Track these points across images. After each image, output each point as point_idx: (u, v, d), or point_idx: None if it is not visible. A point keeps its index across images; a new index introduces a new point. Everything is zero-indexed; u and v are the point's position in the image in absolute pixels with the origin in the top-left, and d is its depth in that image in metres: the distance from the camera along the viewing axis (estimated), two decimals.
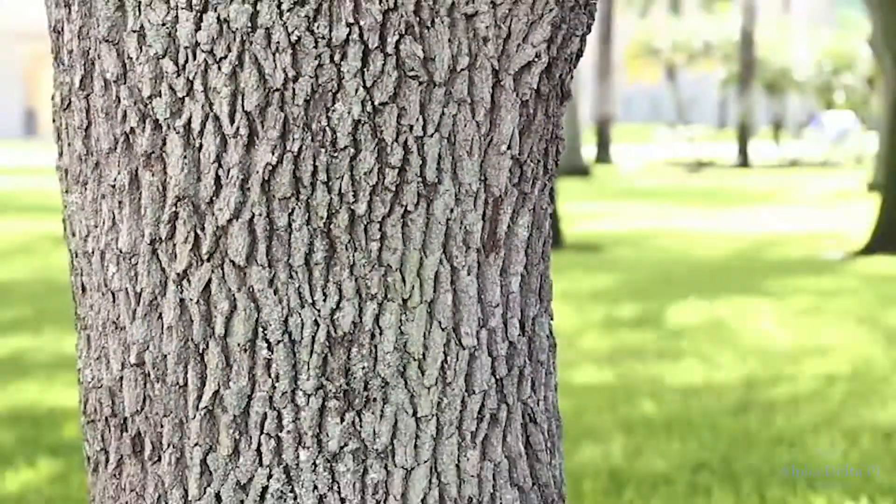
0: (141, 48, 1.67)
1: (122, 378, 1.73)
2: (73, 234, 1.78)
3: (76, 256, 1.78)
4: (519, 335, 1.78)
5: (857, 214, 20.27)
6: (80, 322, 1.79)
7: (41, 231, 17.65)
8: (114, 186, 1.71)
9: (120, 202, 1.70)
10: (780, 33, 44.62)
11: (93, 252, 1.75)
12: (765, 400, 7.76)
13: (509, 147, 1.74)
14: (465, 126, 1.71)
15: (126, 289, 1.71)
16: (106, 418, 1.76)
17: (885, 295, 12.52)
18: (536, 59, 1.74)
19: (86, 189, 1.74)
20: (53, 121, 1.81)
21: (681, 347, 9.43)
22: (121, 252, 1.71)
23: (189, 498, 1.71)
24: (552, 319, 1.86)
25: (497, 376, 1.75)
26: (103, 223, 1.73)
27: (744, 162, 37.87)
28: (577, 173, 32.34)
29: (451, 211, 1.70)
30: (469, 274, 1.72)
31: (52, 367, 8.17)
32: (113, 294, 1.73)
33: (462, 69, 1.70)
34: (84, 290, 1.77)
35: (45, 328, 9.63)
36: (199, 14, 1.65)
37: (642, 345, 9.51)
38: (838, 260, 15.79)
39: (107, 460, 1.78)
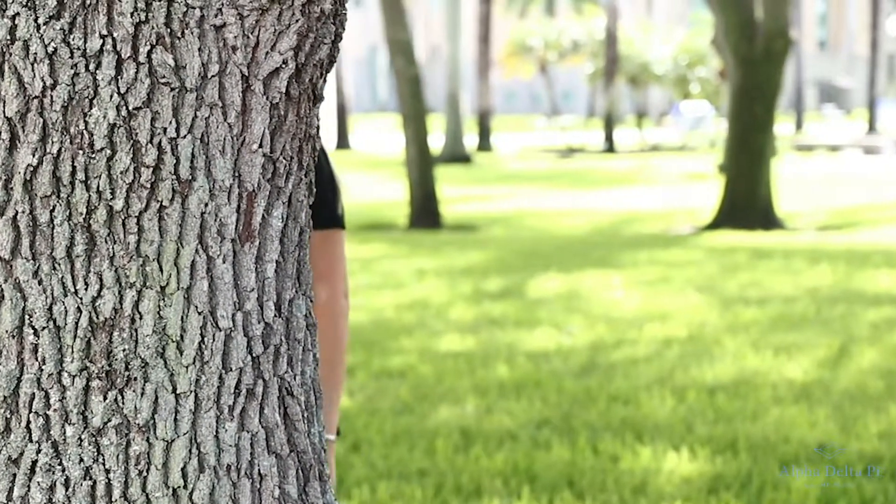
0: None
1: None
2: None
3: None
4: (275, 316, 1.77)
5: (708, 194, 20.51)
6: None
7: None
8: None
9: None
10: (641, 32, 44.99)
11: None
12: (607, 362, 7.85)
13: (261, 146, 1.73)
14: (218, 127, 1.69)
15: None
16: None
17: (725, 265, 12.71)
18: (284, 66, 1.73)
19: None
20: None
21: (538, 316, 9.49)
22: None
23: None
24: (312, 301, 1.85)
25: (253, 354, 1.74)
26: None
27: (610, 148, 38.21)
28: (459, 160, 32.43)
29: (206, 205, 1.69)
30: (224, 262, 1.71)
31: None
32: None
33: (213, 75, 1.68)
34: None
35: None
36: None
37: (503, 315, 9.57)
38: (687, 234, 16.00)
39: None
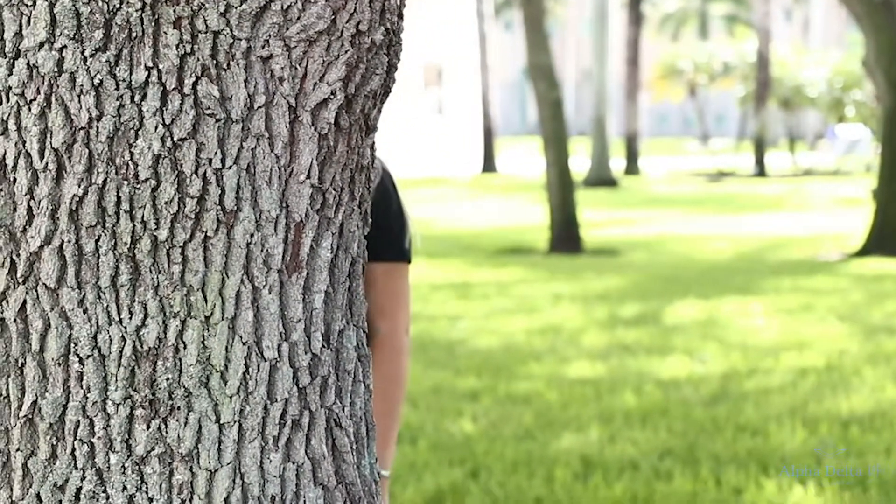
0: None
1: None
2: None
3: None
4: (323, 347, 1.76)
5: (859, 219, 20.05)
6: None
7: None
8: None
9: None
10: (794, 54, 44.25)
11: None
12: (738, 391, 7.70)
13: (308, 176, 1.73)
14: (264, 158, 1.70)
15: None
16: None
17: (871, 293, 12.39)
18: (333, 97, 1.73)
19: None
20: None
21: (671, 343, 9.37)
22: None
23: (14, 499, 1.70)
24: (365, 332, 1.85)
25: (299, 385, 1.74)
26: None
27: (761, 172, 37.60)
28: (604, 184, 32.23)
29: (252, 235, 1.69)
30: (270, 292, 1.71)
31: None
32: None
33: (259, 106, 1.69)
34: None
35: None
36: (11, 61, 1.65)
37: (637, 341, 9.46)
38: (834, 261, 15.64)
39: None
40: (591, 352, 9.06)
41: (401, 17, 1.80)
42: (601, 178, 32.60)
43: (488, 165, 38.79)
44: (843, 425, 6.81)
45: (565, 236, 16.17)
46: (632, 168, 38.00)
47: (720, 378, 8.13)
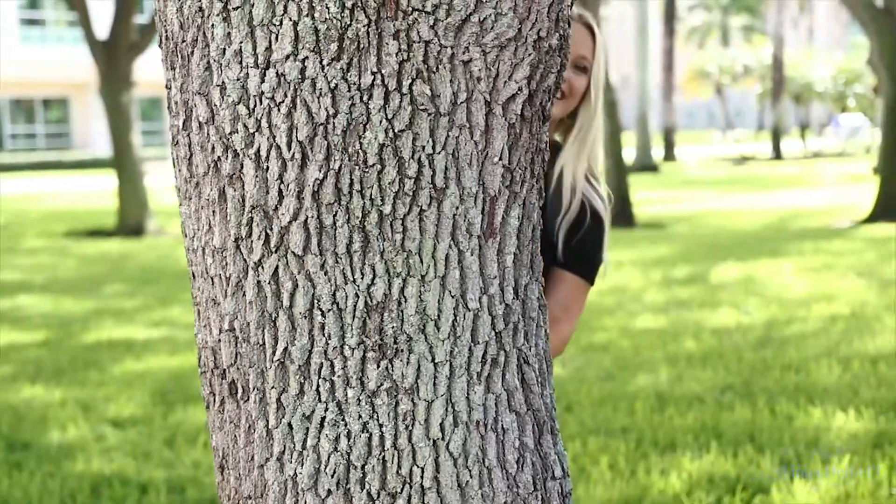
0: (223, 97, 1.68)
1: (220, 340, 1.75)
2: (185, 236, 1.81)
3: (188, 252, 1.80)
4: (513, 298, 1.76)
5: (864, 193, 19.70)
6: (194, 300, 1.81)
7: None
8: (209, 200, 1.72)
9: (213, 211, 1.72)
10: (804, 57, 43.51)
11: (197, 249, 1.77)
12: (780, 337, 7.61)
13: (500, 158, 1.72)
14: (465, 145, 1.70)
15: (220, 274, 1.73)
16: (212, 370, 1.78)
17: (881, 253, 12.18)
18: (519, 92, 1.72)
19: (190, 202, 1.76)
20: (171, 153, 1.83)
21: (719, 298, 9.27)
22: (215, 248, 1.73)
23: (269, 426, 1.72)
24: (542, 286, 1.84)
25: (496, 330, 1.74)
26: (203, 227, 1.75)
27: (777, 156, 37.09)
28: (648, 170, 31.95)
29: (457, 208, 1.69)
30: (472, 255, 1.71)
31: None
32: (211, 279, 1.75)
33: (462, 102, 1.68)
34: (194, 276, 1.80)
35: None
36: (263, 71, 1.66)
37: (690, 297, 9.37)
38: (847, 228, 15.39)
39: (213, 400, 1.80)
40: (654, 307, 9.00)
41: (569, 24, 1.79)
42: (645, 165, 32.33)
43: None
44: (873, 362, 6.70)
45: (621, 213, 16.04)
46: (669, 156, 37.63)
47: (763, 326, 8.04)
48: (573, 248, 2.41)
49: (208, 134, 1.70)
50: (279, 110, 1.65)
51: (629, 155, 30.72)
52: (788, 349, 7.18)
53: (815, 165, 32.11)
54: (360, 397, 1.68)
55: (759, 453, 4.93)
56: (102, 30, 16.55)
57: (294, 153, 1.65)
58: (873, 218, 15.79)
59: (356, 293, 1.67)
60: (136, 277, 11.53)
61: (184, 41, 1.71)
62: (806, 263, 11.41)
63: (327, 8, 1.61)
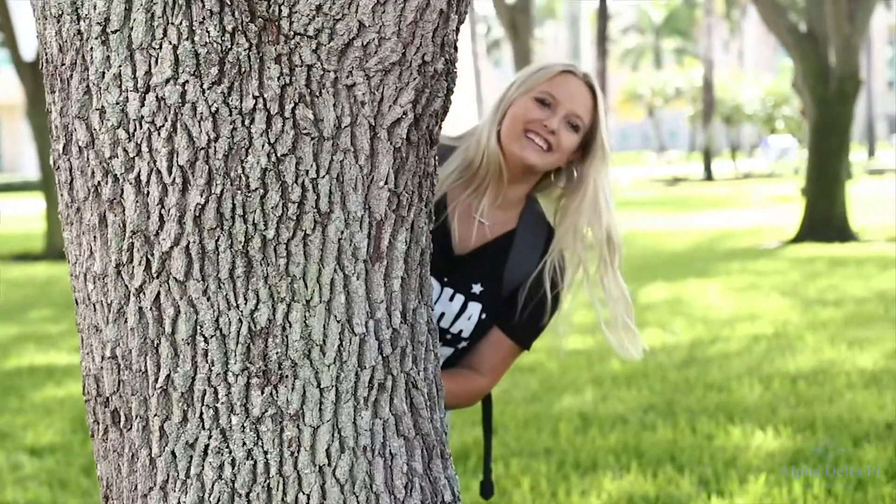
0: (102, 121, 1.66)
1: (102, 367, 1.72)
2: (69, 262, 1.78)
3: (71, 277, 1.78)
4: (401, 323, 1.75)
5: (792, 213, 19.99)
6: (77, 327, 1.78)
7: None
8: (89, 225, 1.70)
9: (94, 237, 1.70)
10: (734, 79, 44.19)
11: (79, 275, 1.74)
12: (704, 356, 7.67)
13: (386, 182, 1.72)
14: (350, 169, 1.69)
15: (101, 301, 1.70)
16: (95, 398, 1.76)
17: (806, 273, 12.35)
18: (404, 116, 1.72)
19: (72, 227, 1.74)
20: (55, 178, 1.80)
21: (646, 319, 9.33)
22: (96, 274, 1.70)
23: (152, 455, 1.70)
24: (432, 310, 1.84)
25: (383, 354, 1.73)
26: (84, 253, 1.72)
27: (709, 177, 37.56)
28: None
29: (342, 233, 1.69)
30: (358, 279, 1.70)
31: None
32: (93, 305, 1.72)
33: (346, 126, 1.68)
34: (77, 303, 1.77)
35: None
36: (143, 95, 1.64)
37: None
38: (774, 248, 15.60)
39: (97, 429, 1.77)
40: (581, 328, 9.04)
41: (456, 49, 1.79)
42: None
43: None
44: (792, 381, 6.79)
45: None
46: None
47: (688, 346, 8.11)
48: (526, 317, 2.39)
49: (88, 158, 1.67)
50: (159, 134, 1.63)
51: None
52: (711, 368, 7.25)
53: (745, 186, 32.58)
54: (245, 424, 1.66)
55: (679, 473, 4.96)
56: (29, 51, 16.35)
57: (175, 178, 1.63)
58: (799, 238, 16.05)
59: (239, 318, 1.65)
60: (62, 302, 11.36)
61: (63, 64, 1.68)
62: (733, 283, 11.55)
63: (207, 32, 1.60)
